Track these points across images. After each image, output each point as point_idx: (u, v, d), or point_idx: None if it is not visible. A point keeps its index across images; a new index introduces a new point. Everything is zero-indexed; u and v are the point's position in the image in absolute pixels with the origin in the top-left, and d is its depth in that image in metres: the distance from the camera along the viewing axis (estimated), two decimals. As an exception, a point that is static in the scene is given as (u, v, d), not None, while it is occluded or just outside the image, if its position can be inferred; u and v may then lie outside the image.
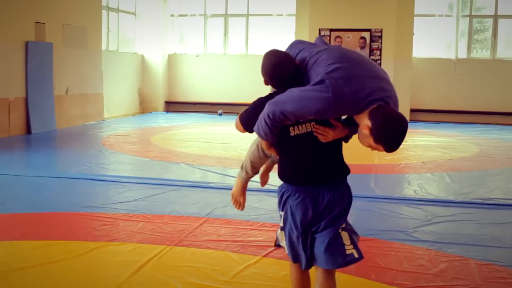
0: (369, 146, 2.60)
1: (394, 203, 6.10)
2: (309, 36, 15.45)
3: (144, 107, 17.58)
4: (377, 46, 15.15)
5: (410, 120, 15.40)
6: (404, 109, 15.36)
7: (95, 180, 7.04)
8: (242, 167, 3.28)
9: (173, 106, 17.79)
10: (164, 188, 6.64)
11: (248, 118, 2.91)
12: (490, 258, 4.37)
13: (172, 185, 6.78)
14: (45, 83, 12.01)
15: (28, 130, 11.53)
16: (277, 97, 2.70)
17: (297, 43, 3.13)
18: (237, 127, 3.02)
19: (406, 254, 4.44)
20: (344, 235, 2.78)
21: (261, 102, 2.85)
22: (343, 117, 2.80)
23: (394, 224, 5.31)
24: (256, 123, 2.77)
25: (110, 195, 6.33)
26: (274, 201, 6.17)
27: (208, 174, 7.60)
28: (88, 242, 4.62)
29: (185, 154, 9.25)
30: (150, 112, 17.22)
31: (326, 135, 2.70)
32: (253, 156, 3.23)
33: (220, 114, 16.71)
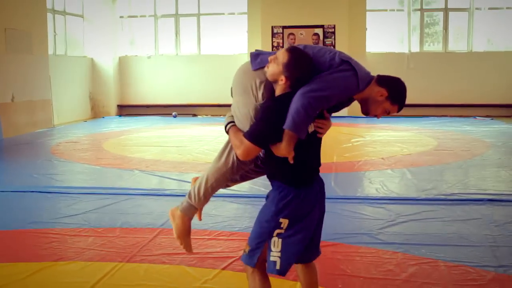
0: (383, 112, 2.82)
1: (357, 203, 5.91)
2: (262, 34, 15.24)
3: (96, 112, 17.06)
4: (330, 42, 15.02)
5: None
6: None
7: (42, 192, 6.61)
8: (190, 198, 3.04)
9: (126, 109, 17.32)
10: (116, 197, 6.28)
11: (263, 133, 2.69)
12: (460, 259, 4.19)
13: (124, 194, 6.42)
14: (-12, 91, 11.43)
15: (-28, 141, 10.94)
16: (307, 88, 2.65)
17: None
18: (247, 153, 2.72)
19: (373, 259, 4.23)
20: None
21: (270, 110, 2.69)
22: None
23: (358, 226, 5.10)
24: (289, 120, 2.63)
25: (58, 209, 5.94)
26: (232, 207, 5.93)
27: (163, 181, 7.28)
28: (32, 263, 4.25)
29: (139, 159, 8.89)
30: (103, 117, 16.71)
31: (324, 129, 2.81)
32: (219, 173, 2.93)
33: (175, 116, 16.34)
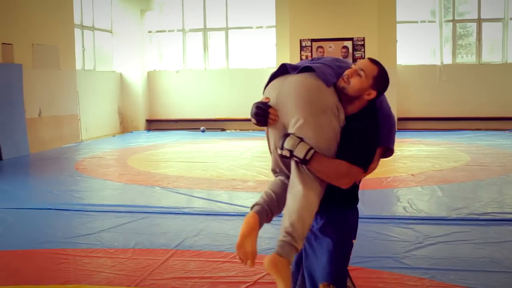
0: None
1: (383, 223, 5.60)
2: (290, 47, 15.03)
3: (124, 127, 17.03)
4: (360, 55, 14.72)
5: (398, 129, 14.95)
6: (391, 118, 14.91)
7: (59, 210, 6.48)
8: (290, 237, 2.40)
9: (155, 124, 17.26)
10: (132, 216, 6.10)
11: (371, 156, 2.56)
12: (492, 286, 3.86)
13: (141, 212, 6.24)
14: (15, 106, 11.45)
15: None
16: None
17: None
18: (354, 180, 2.56)
19: (397, 286, 3.93)
20: None
21: (372, 130, 2.56)
22: None
23: (383, 249, 4.79)
24: (384, 136, 2.65)
25: (72, 227, 5.78)
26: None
27: (183, 198, 7.07)
28: (38, 287, 4.08)
29: (162, 176, 8.71)
30: (131, 132, 16.67)
31: None
32: (311, 209, 2.47)
33: (203, 131, 16.20)
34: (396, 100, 14.97)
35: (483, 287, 3.85)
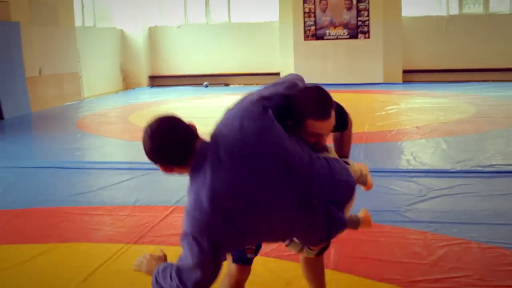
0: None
1: (385, 176, 5.51)
2: (293, 0, 14.74)
3: (127, 84, 16.89)
4: (364, 6, 14.42)
5: (403, 81, 14.76)
6: (396, 70, 14.73)
7: (59, 168, 6.42)
8: None
9: (158, 80, 17.10)
10: (133, 173, 6.04)
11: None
12: (495, 239, 3.79)
13: (142, 169, 6.16)
14: (15, 64, 11.30)
15: (0, 115, 10.85)
16: None
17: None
18: None
19: (399, 240, 3.87)
20: None
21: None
22: None
23: (385, 202, 4.72)
24: None
25: (72, 185, 5.74)
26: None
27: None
28: (35, 245, 4.04)
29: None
30: (134, 88, 16.53)
31: None
32: None
33: (206, 86, 16.04)
34: (402, 52, 14.75)
35: (486, 240, 3.78)
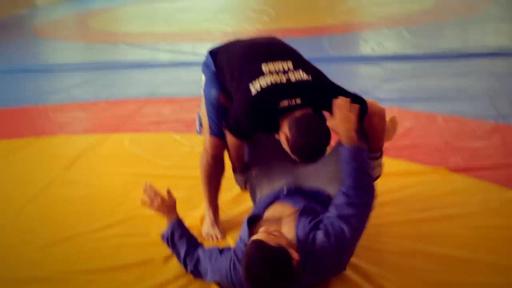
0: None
1: (351, 63, 5.65)
2: None
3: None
4: None
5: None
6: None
7: (24, 71, 6.32)
8: None
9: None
10: (100, 72, 6.01)
11: None
12: (458, 112, 4.00)
13: (109, 68, 6.14)
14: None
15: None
16: None
17: None
18: None
19: (368, 116, 4.03)
20: None
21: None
22: None
23: (353, 85, 4.82)
24: None
25: (40, 87, 5.68)
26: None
27: (148, 53, 6.94)
28: (14, 140, 4.07)
29: (124, 33, 8.53)
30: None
31: None
32: None
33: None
34: None
35: (450, 113, 3.99)
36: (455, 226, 2.50)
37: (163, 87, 5.24)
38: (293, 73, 2.13)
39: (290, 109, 2.08)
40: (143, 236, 2.58)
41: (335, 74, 4.72)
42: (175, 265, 2.30)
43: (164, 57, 6.60)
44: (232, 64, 2.27)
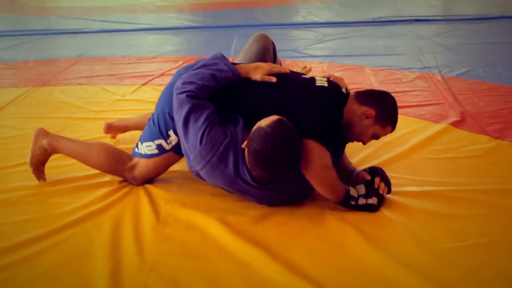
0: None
1: (283, 28, 5.73)
2: None
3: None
4: None
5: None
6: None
7: None
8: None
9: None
10: (29, 38, 5.86)
11: None
12: (385, 65, 4.15)
13: (38, 34, 6.01)
14: None
15: None
16: None
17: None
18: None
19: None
20: None
21: None
22: None
23: (285, 45, 4.94)
24: None
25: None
26: (154, 37, 5.71)
27: (80, 22, 6.82)
28: None
29: (54, 7, 8.33)
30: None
31: None
32: None
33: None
34: None
35: (378, 67, 4.12)
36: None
37: (94, 49, 5.16)
38: None
39: None
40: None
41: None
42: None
43: (95, 25, 6.49)
44: None
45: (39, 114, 3.35)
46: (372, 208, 2.05)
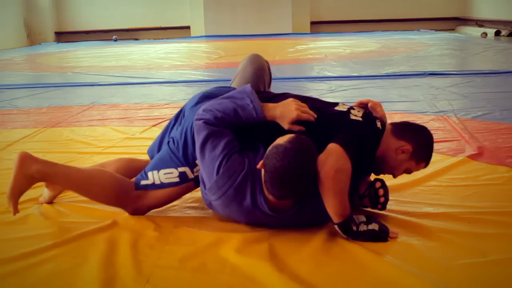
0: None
1: (298, 81, 5.74)
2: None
3: (32, 40, 16.20)
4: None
5: (311, 32, 15.12)
6: (304, 21, 15.07)
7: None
8: None
9: (65, 36, 16.54)
10: (45, 89, 5.91)
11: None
12: (399, 109, 4.10)
13: (55, 86, 6.07)
14: None
15: None
16: None
17: None
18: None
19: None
20: None
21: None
22: None
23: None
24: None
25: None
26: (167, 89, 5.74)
27: (96, 77, 6.88)
28: None
29: (73, 66, 8.47)
30: (40, 44, 15.94)
31: None
32: None
33: (115, 40, 15.72)
34: (309, 3, 15.09)
35: (392, 111, 4.06)
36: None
37: (107, 98, 5.17)
38: None
39: None
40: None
41: (285, 89, 4.80)
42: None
43: (111, 79, 6.53)
44: None
45: (46, 149, 3.31)
46: (375, 235, 1.89)
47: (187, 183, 2.11)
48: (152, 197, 2.13)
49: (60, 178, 2.12)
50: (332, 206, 1.88)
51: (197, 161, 2.07)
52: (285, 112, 1.99)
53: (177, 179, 2.09)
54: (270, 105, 2.03)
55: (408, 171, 2.10)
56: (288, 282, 1.61)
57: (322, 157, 1.88)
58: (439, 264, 1.69)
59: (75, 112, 4.49)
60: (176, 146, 2.14)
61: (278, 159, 1.78)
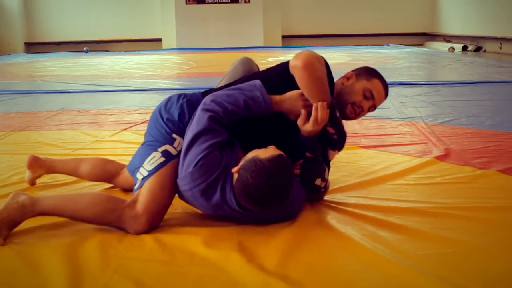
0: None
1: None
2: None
3: (1, 50, 16.01)
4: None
5: (283, 45, 15.24)
6: (276, 35, 15.19)
7: None
8: None
9: (35, 47, 16.36)
10: (13, 95, 5.83)
11: None
12: (366, 116, 4.12)
13: (23, 93, 6.00)
14: None
15: None
16: None
17: None
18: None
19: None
20: None
21: None
22: None
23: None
24: None
25: None
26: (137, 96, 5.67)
27: (65, 85, 6.82)
28: None
29: (42, 75, 8.38)
30: (9, 54, 15.74)
31: None
32: None
33: (86, 51, 15.61)
34: (280, 17, 15.22)
35: (361, 116, 4.10)
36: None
37: (77, 104, 5.12)
38: None
39: None
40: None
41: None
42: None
43: (80, 87, 6.48)
44: None
45: (14, 151, 3.27)
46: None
47: (173, 162, 2.03)
48: (145, 191, 1.98)
49: (49, 205, 1.97)
50: (316, 93, 2.01)
51: (175, 135, 2.07)
52: (293, 107, 2.07)
53: (162, 159, 2.04)
54: (277, 97, 2.08)
55: (368, 95, 2.23)
56: (257, 271, 1.61)
57: (292, 59, 2.07)
58: (409, 254, 1.71)
59: (44, 117, 4.44)
60: (150, 136, 2.13)
61: (252, 175, 1.79)
